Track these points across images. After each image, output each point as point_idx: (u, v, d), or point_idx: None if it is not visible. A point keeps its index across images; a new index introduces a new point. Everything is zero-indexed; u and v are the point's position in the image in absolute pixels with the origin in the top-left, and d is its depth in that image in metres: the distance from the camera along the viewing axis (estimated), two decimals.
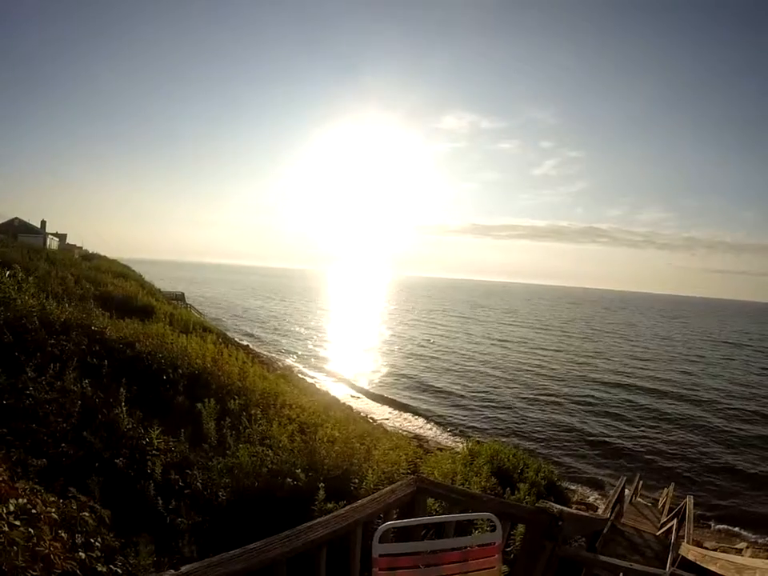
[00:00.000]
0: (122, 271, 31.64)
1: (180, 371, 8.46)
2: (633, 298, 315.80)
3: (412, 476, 3.23)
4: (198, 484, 5.00)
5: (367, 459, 5.74)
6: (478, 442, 17.33)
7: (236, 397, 7.91)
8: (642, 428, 25.77)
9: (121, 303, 17.05)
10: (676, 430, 26.09)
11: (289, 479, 4.73)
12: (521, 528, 4.04)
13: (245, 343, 35.67)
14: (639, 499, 15.56)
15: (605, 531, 8.45)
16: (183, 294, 48.95)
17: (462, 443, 18.68)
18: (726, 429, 26.58)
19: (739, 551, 14.22)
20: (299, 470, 4.84)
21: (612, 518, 9.44)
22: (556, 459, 20.18)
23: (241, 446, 5.52)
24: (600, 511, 10.96)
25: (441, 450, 19.11)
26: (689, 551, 5.74)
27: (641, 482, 16.18)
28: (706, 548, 13.95)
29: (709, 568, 4.44)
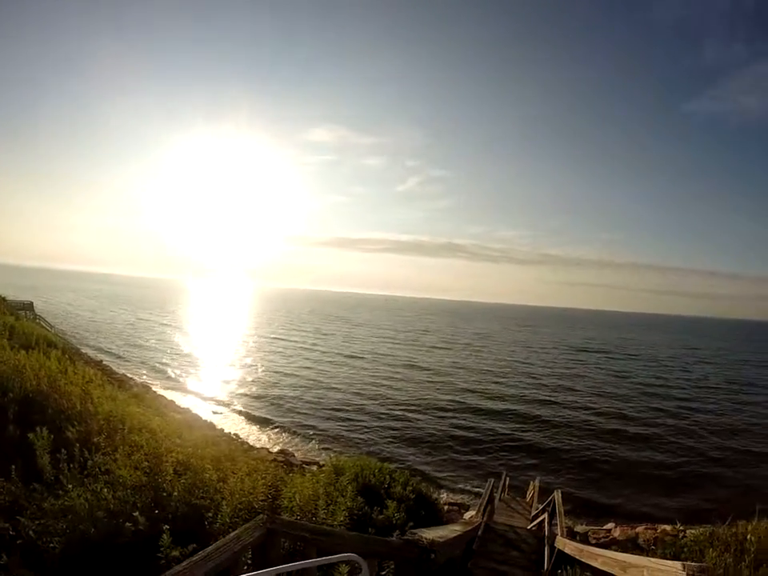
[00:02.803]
0: None
1: (11, 395, 7.35)
2: (491, 309, 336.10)
3: (261, 515, 2.89)
4: (31, 532, 4.30)
5: (219, 490, 5.24)
6: (345, 455, 17.26)
7: (75, 423, 6.94)
8: (501, 430, 27.47)
9: None
10: (533, 430, 28.17)
11: (128, 523, 4.17)
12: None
13: (99, 359, 33.29)
14: (508, 495, 16.38)
15: (479, 533, 8.67)
16: (32, 303, 44.57)
17: (327, 457, 18.64)
18: (580, 426, 29.08)
19: (608, 531, 15.49)
20: (137, 513, 4.24)
21: (485, 519, 9.72)
22: (421, 468, 21.03)
23: (70, 486, 4.81)
24: (472, 512, 11.21)
25: (307, 464, 18.89)
26: (565, 545, 5.86)
27: (507, 479, 17.06)
28: (578, 532, 15.02)
29: (590, 563, 4.42)
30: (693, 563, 2.30)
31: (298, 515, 5.07)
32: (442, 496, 18.64)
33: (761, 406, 37.70)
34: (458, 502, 17.90)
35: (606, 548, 14.18)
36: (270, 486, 6.19)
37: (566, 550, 5.78)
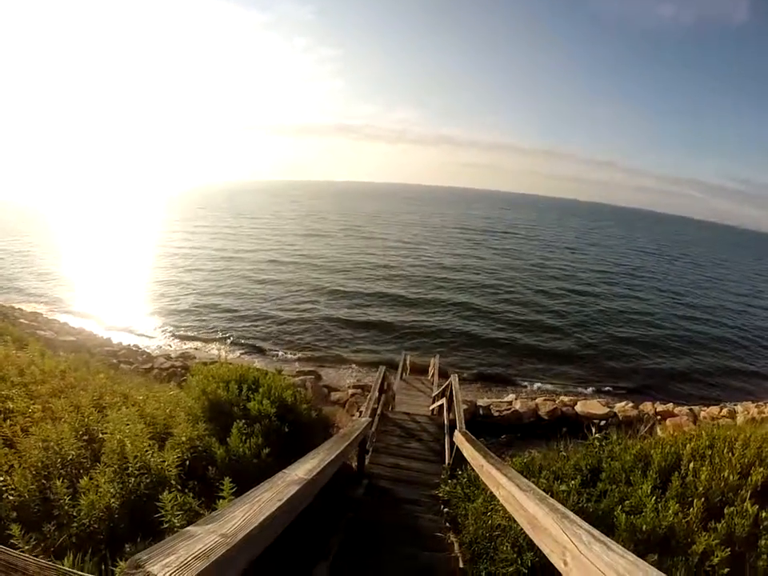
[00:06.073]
0: None
1: None
2: (385, 190, 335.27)
3: None
4: None
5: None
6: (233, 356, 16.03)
7: None
8: (395, 313, 27.67)
9: None
10: (424, 309, 28.68)
11: None
12: None
13: None
14: (410, 375, 16.31)
15: (372, 430, 8.02)
16: None
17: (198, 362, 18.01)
18: (471, 303, 29.76)
19: (510, 403, 15.95)
20: None
21: (379, 411, 9.09)
22: (316, 362, 21.23)
23: None
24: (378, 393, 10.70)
25: (200, 359, 18.04)
26: (464, 447, 5.19)
27: (407, 358, 16.86)
28: (481, 406, 15.41)
29: (490, 488, 3.48)
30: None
31: (115, 464, 3.87)
32: (346, 381, 18.63)
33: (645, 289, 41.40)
34: (362, 384, 17.97)
35: (508, 425, 14.48)
36: (93, 418, 4.82)
37: (465, 455, 5.06)
